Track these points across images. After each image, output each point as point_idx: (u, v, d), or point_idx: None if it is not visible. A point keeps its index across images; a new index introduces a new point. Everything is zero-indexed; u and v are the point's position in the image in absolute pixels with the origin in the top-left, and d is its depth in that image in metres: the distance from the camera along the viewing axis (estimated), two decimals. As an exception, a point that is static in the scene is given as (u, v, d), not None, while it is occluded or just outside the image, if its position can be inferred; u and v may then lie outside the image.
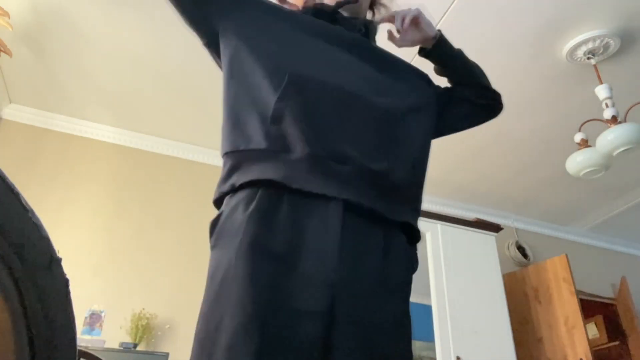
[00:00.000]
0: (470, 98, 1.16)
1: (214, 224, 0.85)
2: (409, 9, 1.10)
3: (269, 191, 0.81)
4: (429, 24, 1.11)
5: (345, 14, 1.06)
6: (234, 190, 0.85)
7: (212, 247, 0.84)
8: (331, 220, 0.80)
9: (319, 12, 1.05)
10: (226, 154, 0.89)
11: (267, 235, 0.78)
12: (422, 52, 1.15)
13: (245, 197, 0.82)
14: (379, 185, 0.87)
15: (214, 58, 1.03)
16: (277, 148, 0.84)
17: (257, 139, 0.85)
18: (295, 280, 0.76)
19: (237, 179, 0.85)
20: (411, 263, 0.91)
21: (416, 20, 1.10)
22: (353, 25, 1.05)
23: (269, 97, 0.86)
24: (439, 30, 1.13)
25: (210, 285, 0.79)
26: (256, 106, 0.88)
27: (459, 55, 1.17)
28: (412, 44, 1.14)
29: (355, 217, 0.83)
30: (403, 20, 1.09)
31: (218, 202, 0.89)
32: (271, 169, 0.82)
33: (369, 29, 1.10)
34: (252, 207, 0.80)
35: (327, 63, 0.94)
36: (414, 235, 0.94)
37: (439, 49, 1.14)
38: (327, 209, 0.81)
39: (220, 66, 1.00)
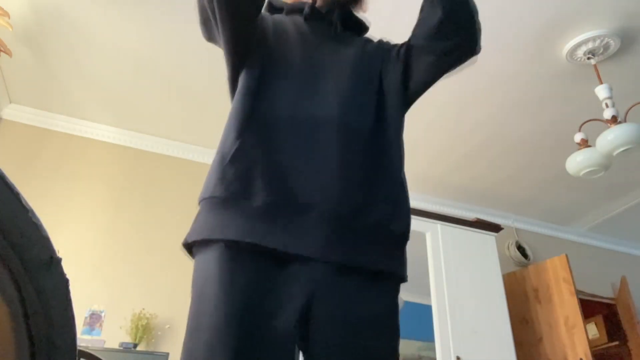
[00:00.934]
0: (432, 46, 0.95)
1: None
2: None
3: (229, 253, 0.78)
4: None
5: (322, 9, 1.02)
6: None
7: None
8: (294, 292, 0.77)
9: (295, 10, 1.03)
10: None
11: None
12: None
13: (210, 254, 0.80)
14: (351, 229, 0.82)
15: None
16: (233, 194, 0.80)
17: (213, 186, 0.82)
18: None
19: (191, 235, 0.83)
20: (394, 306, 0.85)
21: None
22: (330, 23, 1.02)
23: (231, 142, 0.84)
24: None
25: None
26: (221, 151, 0.85)
27: None
28: None
29: (326, 276, 0.79)
30: None
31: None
32: (226, 223, 0.79)
33: (348, 21, 1.05)
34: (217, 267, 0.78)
35: (301, 89, 0.91)
36: (400, 277, 0.86)
37: None
38: (290, 276, 0.78)
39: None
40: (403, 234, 0.88)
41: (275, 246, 0.77)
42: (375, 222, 0.84)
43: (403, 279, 0.87)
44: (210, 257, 0.79)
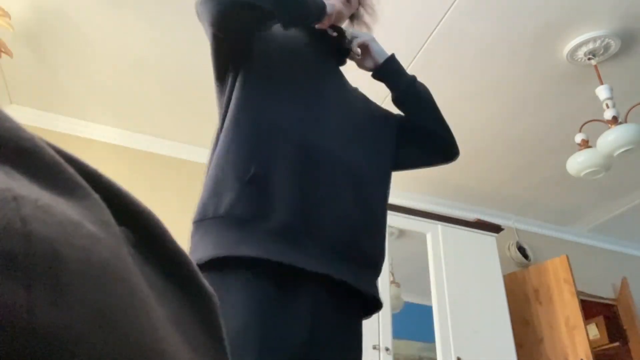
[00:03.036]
0: (421, 139, 1.15)
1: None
2: (364, 33, 1.15)
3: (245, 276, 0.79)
4: (380, 52, 1.14)
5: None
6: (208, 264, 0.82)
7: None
8: (302, 312, 0.81)
9: (311, 31, 1.08)
10: (194, 223, 0.86)
11: None
12: (374, 75, 1.17)
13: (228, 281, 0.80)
14: (349, 256, 0.88)
15: (218, 92, 1.03)
16: (252, 215, 0.81)
17: (230, 205, 0.82)
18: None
19: (204, 254, 0.81)
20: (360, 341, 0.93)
21: (365, 47, 1.13)
22: (336, 49, 1.12)
23: (249, 158, 0.86)
24: (392, 55, 1.16)
25: None
26: (235, 167, 0.86)
27: (410, 81, 1.15)
28: (365, 69, 1.17)
29: (327, 298, 0.84)
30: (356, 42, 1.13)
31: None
32: (247, 241, 0.80)
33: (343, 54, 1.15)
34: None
35: (310, 117, 0.94)
36: (377, 305, 0.95)
37: (386, 68, 1.15)
38: (299, 296, 0.81)
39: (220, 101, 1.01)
40: (380, 268, 0.98)
41: (296, 264, 0.80)
42: (369, 253, 0.93)
43: (379, 304, 0.95)
44: (232, 279, 0.78)
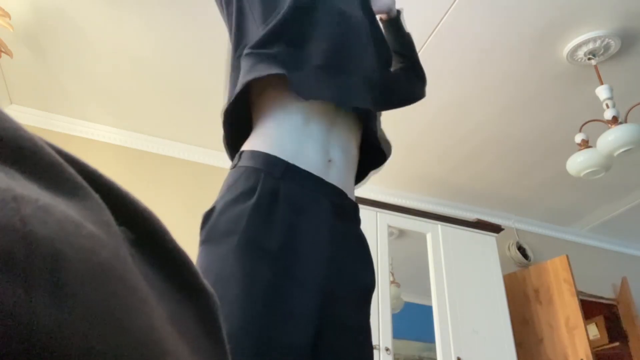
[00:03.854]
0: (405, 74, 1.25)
1: (208, 217, 0.81)
2: None
3: (270, 182, 0.80)
4: None
5: None
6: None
7: (203, 242, 0.79)
8: (322, 224, 0.82)
9: None
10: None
11: (264, 235, 0.76)
12: (391, 20, 1.24)
13: (246, 187, 0.80)
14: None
15: None
16: (290, 50, 0.91)
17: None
18: (289, 283, 0.75)
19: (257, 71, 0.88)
20: (368, 253, 0.94)
21: None
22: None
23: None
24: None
25: None
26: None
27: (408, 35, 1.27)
28: (383, 10, 1.21)
29: (338, 217, 0.86)
30: None
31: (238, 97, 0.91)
32: (281, 67, 0.87)
33: None
34: (252, 200, 0.77)
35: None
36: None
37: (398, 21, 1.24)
38: (319, 209, 0.83)
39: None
40: None
41: (322, 96, 0.91)
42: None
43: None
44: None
